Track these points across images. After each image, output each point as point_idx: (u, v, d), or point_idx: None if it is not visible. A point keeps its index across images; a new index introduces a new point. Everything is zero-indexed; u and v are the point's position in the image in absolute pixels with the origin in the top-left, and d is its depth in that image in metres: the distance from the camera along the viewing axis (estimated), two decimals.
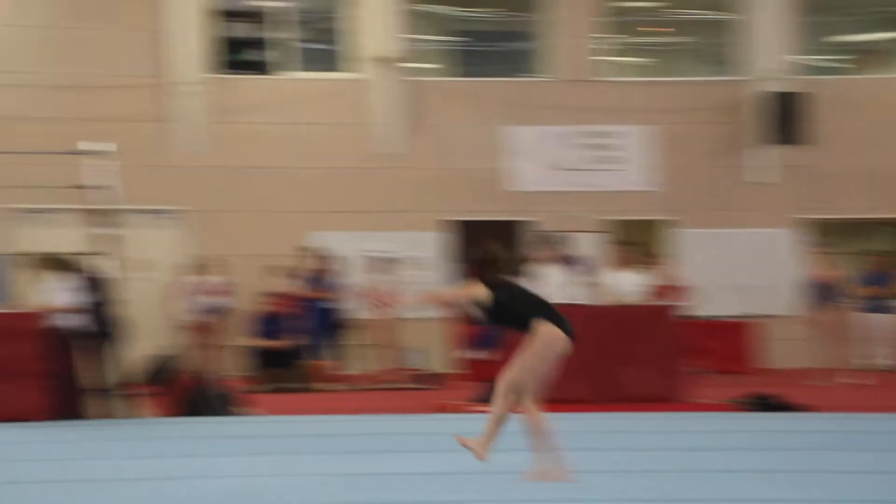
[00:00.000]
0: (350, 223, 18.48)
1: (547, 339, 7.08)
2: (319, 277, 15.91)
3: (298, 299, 15.94)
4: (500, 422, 7.06)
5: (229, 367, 16.49)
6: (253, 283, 16.96)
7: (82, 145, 12.60)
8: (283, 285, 16.22)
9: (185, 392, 11.67)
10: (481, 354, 16.06)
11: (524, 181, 19.18)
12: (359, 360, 16.75)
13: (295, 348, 15.03)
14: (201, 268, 17.00)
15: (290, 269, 16.46)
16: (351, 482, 7.09)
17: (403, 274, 18.28)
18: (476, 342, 16.23)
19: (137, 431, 10.11)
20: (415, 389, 15.06)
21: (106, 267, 12.01)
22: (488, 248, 7.40)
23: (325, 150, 18.74)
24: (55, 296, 10.76)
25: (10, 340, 10.45)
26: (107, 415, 11.31)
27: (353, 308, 16.57)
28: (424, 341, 17.82)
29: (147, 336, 12.94)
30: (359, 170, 18.74)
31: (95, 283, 11.39)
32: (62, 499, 6.58)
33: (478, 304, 7.23)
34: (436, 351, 17.99)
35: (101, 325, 11.25)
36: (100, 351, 11.25)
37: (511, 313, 7.25)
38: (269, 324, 15.09)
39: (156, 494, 6.69)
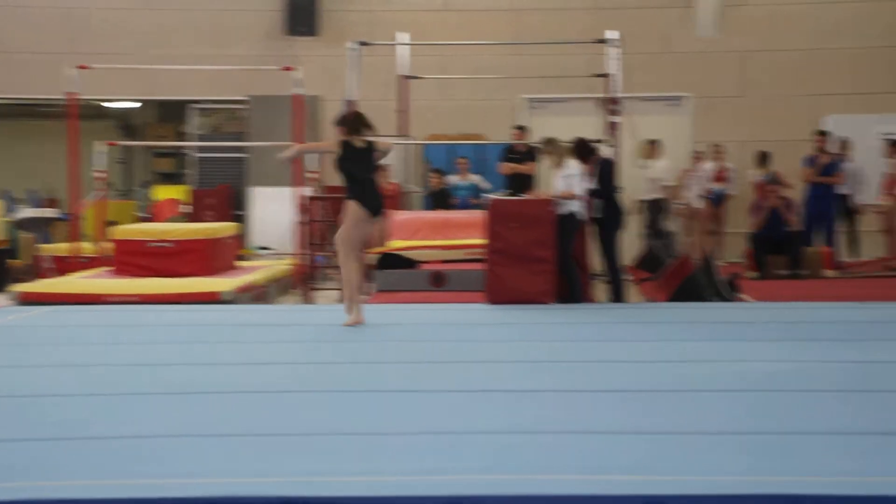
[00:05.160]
0: (866, 105, 17.75)
1: (349, 212, 9.19)
2: (827, 162, 15.45)
3: (805, 184, 15.62)
4: (349, 283, 9.31)
5: (726, 253, 16.54)
6: (753, 169, 16.82)
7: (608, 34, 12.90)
8: (779, 171, 15.97)
9: (679, 277, 11.82)
10: None
11: None
12: (866, 246, 16.23)
13: (795, 234, 14.72)
14: (702, 154, 17.09)
15: (802, 155, 16.14)
16: (834, 369, 7.03)
17: None
18: None
19: (633, 315, 10.42)
20: None
21: (613, 153, 12.33)
22: (355, 112, 9.59)
23: (839, 30, 18.03)
24: (569, 182, 11.10)
25: (525, 227, 10.98)
26: (607, 299, 11.73)
27: (862, 193, 16.06)
28: None
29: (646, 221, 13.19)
30: (877, 49, 17.88)
31: (606, 170, 11.64)
32: (565, 376, 7.00)
33: (335, 156, 9.21)
34: None
35: (608, 212, 11.53)
36: (604, 237, 11.58)
37: (343, 176, 9.27)
38: (768, 210, 14.87)
39: (645, 375, 6.97)
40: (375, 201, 9.30)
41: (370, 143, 9.33)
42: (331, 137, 9.42)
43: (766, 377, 6.80)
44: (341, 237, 9.34)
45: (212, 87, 18.31)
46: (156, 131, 21.44)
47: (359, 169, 9.20)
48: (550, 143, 11.30)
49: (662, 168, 15.64)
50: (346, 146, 9.20)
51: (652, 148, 15.75)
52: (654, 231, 15.54)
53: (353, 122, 9.33)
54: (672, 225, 15.79)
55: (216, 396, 6.33)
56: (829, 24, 18.05)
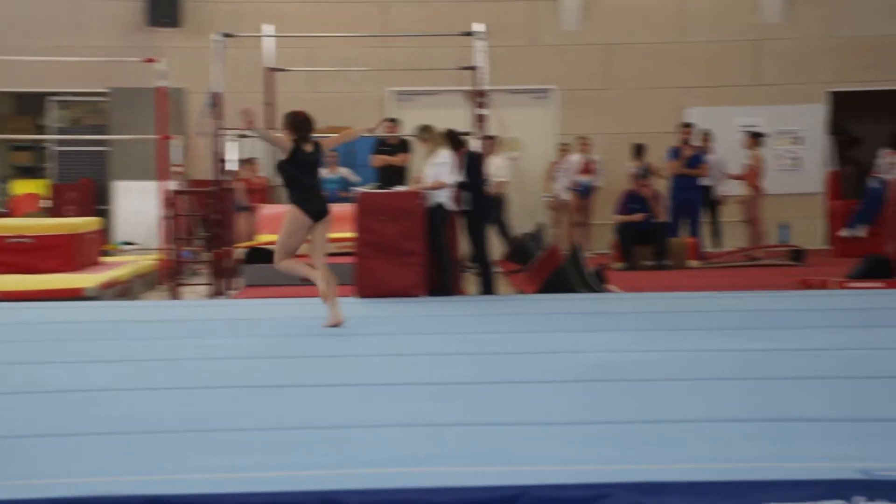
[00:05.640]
0: (727, 98, 18.14)
1: (290, 218, 8.75)
2: (691, 154, 15.73)
3: (670, 176, 15.88)
4: (298, 269, 8.84)
5: (594, 244, 16.75)
6: (621, 162, 17.06)
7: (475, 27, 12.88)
8: (653, 163, 16.21)
9: (547, 269, 11.90)
10: (858, 231, 15.57)
11: None
12: (728, 237, 16.59)
13: (661, 225, 14.96)
14: (569, 146, 17.24)
15: (666, 147, 16.41)
16: (700, 358, 7.13)
17: (780, 149, 17.94)
18: (853, 219, 15.71)
19: (503, 307, 10.46)
20: (780, 266, 14.72)
21: (479, 146, 12.35)
22: (305, 114, 8.92)
23: (699, 24, 18.38)
24: (439, 170, 11.06)
25: (395, 220, 10.93)
26: (478, 291, 11.76)
27: (724, 184, 16.41)
28: (794, 217, 17.51)
29: (515, 214, 13.20)
30: (737, 42, 18.28)
31: (474, 163, 11.65)
32: (435, 369, 6.99)
33: (282, 153, 8.84)
34: (807, 227, 17.64)
35: (477, 204, 11.54)
36: (473, 229, 11.60)
37: (285, 179, 8.89)
38: (636, 202, 15.08)
39: (514, 367, 7.00)
40: (320, 206, 8.86)
41: (318, 147, 8.96)
42: (281, 134, 8.98)
43: (631, 366, 6.86)
44: (278, 246, 8.91)
45: (71, 78, 17.86)
46: (13, 124, 20.83)
47: (304, 174, 8.81)
48: (427, 129, 11.25)
49: (496, 164, 15.60)
50: (295, 148, 8.82)
51: (489, 143, 15.67)
52: (500, 227, 15.59)
53: (303, 125, 8.88)
54: (543, 217, 15.91)
55: (77, 395, 6.16)
56: (689, 18, 18.39)
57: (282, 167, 8.95)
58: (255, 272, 13.15)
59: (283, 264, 8.91)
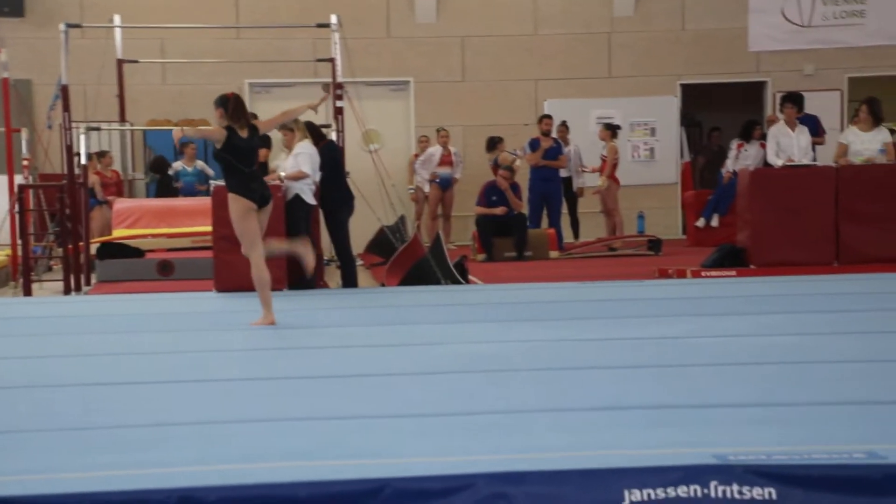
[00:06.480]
0: (582, 90, 18.37)
1: (232, 207, 8.35)
2: (548, 146, 15.89)
3: (529, 168, 16.02)
4: (264, 285, 8.38)
5: (455, 236, 16.81)
6: (480, 153, 17.15)
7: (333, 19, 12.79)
8: (509, 154, 16.33)
9: (409, 261, 11.91)
10: (711, 221, 15.94)
11: (762, 40, 18.57)
12: (586, 227, 16.82)
13: (521, 217, 15.09)
14: (428, 139, 17.29)
15: (524, 138, 16.56)
16: (560, 348, 7.19)
17: (634, 140, 18.26)
18: (707, 209, 16.07)
19: (364, 300, 10.42)
20: (638, 256, 15.00)
21: (337, 138, 12.29)
22: (234, 96, 8.53)
23: (552, 17, 18.58)
24: (298, 161, 10.96)
25: None
26: (339, 284, 11.71)
27: (581, 176, 16.64)
28: (650, 207, 17.84)
29: (373, 207, 13.13)
30: (590, 35, 18.52)
31: (333, 155, 11.60)
32: (298, 363, 6.92)
33: (217, 144, 8.41)
34: (662, 217, 18.00)
35: (337, 197, 11.48)
36: (334, 222, 11.54)
37: (224, 166, 8.46)
38: (497, 193, 15.18)
39: (376, 359, 6.97)
40: (263, 191, 8.49)
41: (254, 132, 8.58)
42: (213, 122, 8.56)
43: (492, 357, 6.87)
44: (242, 240, 8.49)
45: None
46: None
47: (241, 161, 8.40)
48: (297, 121, 11.13)
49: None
50: (230, 134, 8.40)
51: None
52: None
53: (236, 109, 8.46)
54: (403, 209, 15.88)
55: None
56: (543, 11, 18.59)
57: (218, 156, 8.57)
58: (108, 268, 12.87)
59: (255, 255, 8.44)
